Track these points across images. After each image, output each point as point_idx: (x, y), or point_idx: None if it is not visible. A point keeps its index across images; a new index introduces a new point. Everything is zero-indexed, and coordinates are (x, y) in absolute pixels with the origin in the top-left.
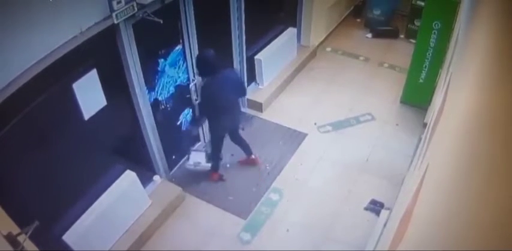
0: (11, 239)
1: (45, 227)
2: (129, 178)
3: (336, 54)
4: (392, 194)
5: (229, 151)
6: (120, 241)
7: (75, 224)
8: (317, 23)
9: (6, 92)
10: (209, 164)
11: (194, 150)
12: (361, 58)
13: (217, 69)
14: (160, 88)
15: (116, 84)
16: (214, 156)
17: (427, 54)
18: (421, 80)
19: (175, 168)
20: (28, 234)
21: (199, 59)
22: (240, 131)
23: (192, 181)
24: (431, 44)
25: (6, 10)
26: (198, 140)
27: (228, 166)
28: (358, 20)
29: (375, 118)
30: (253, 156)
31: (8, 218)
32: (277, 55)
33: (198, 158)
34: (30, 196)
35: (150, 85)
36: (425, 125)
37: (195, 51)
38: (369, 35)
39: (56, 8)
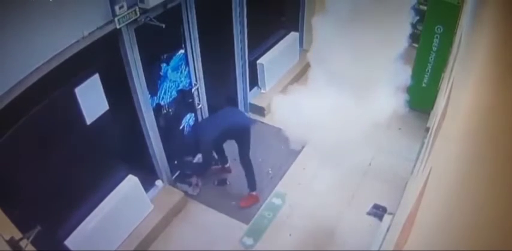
0: (13, 244)
1: (47, 232)
2: (131, 182)
3: None
4: (395, 198)
5: (233, 155)
6: (122, 246)
7: (77, 229)
8: None
9: (8, 96)
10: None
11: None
12: None
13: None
14: (162, 93)
15: (118, 89)
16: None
17: (430, 58)
18: (424, 84)
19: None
20: (30, 239)
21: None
22: None
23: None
24: (434, 48)
25: (8, 14)
26: None
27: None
28: None
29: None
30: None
31: (10, 223)
32: (279, 59)
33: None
34: (33, 201)
35: (153, 90)
36: (428, 129)
37: (198, 56)
38: None
39: (58, 13)
